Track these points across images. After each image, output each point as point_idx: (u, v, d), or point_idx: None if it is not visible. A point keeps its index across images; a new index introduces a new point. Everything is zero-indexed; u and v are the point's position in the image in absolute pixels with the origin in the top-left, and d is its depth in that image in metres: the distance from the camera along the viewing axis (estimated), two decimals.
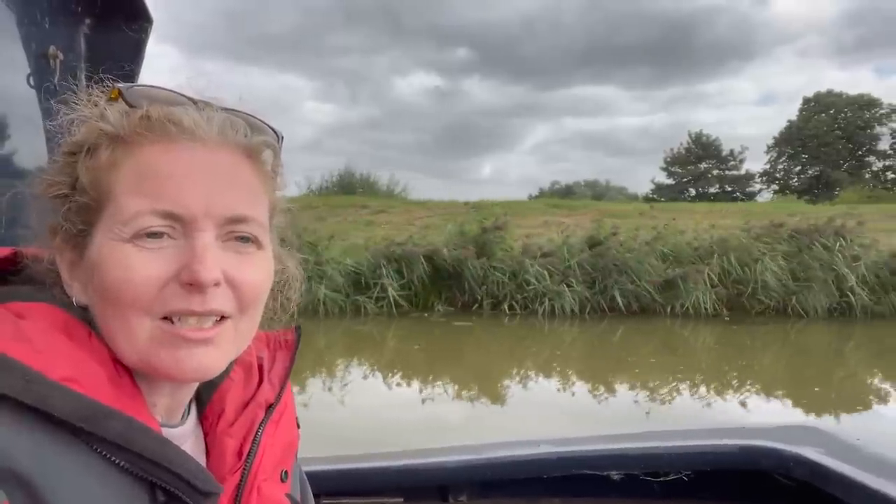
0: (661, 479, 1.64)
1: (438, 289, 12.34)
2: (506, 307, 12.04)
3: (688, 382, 7.85)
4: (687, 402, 7.02)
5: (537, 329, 11.24)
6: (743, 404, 6.91)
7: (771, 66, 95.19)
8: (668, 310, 12.07)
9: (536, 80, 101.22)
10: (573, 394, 7.37)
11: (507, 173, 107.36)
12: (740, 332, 11.29)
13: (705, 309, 11.99)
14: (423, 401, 6.87)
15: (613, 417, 6.33)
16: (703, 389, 7.61)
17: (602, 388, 7.61)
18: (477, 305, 12.15)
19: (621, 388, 7.59)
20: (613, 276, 12.30)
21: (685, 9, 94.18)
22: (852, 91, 49.72)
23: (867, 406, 7.04)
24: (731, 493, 1.67)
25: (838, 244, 12.71)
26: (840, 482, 1.41)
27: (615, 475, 1.62)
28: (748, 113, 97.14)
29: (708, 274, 12.26)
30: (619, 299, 12.07)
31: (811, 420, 6.25)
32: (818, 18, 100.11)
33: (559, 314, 11.89)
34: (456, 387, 7.50)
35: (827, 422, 6.16)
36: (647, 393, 7.27)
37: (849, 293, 12.18)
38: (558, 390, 7.52)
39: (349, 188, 24.46)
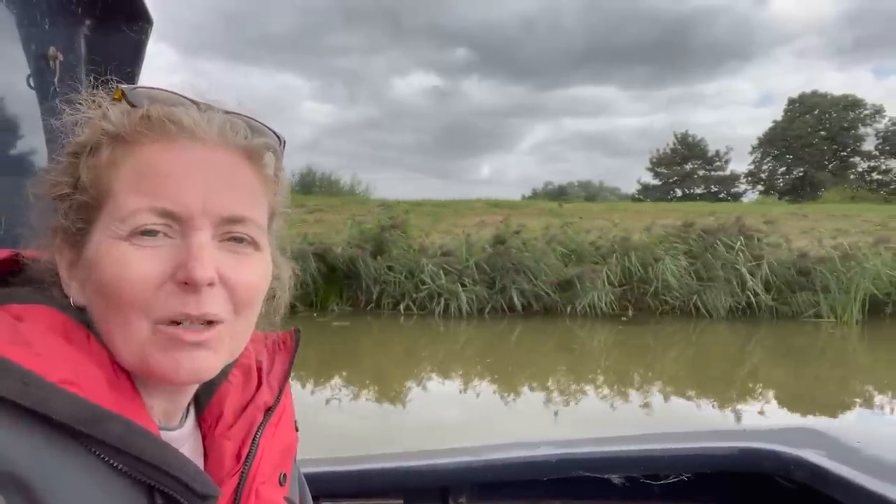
0: (662, 481, 1.64)
1: (338, 288, 12.23)
2: (402, 307, 11.92)
3: (589, 383, 7.89)
4: (593, 402, 7.04)
5: (432, 329, 11.14)
6: (646, 405, 6.89)
7: (769, 66, 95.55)
8: (569, 310, 12.05)
9: (535, 81, 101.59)
10: (471, 395, 7.31)
11: (506, 173, 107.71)
12: (636, 332, 11.28)
13: (602, 309, 12.00)
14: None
15: (500, 417, 6.35)
16: (601, 389, 7.68)
17: (495, 388, 7.63)
18: (373, 305, 12.02)
19: (505, 387, 7.61)
20: (511, 276, 12.23)
21: (684, 9, 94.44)
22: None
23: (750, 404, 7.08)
24: (731, 495, 1.67)
25: (738, 243, 12.69)
26: (840, 484, 1.41)
27: (615, 477, 1.62)
28: (747, 113, 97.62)
29: (607, 273, 12.26)
30: (515, 299, 12.03)
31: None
32: (817, 19, 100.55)
33: (455, 314, 11.80)
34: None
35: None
36: (546, 393, 7.29)
37: (749, 293, 12.18)
38: (460, 391, 7.48)
39: (308, 188, 24.46)
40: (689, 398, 7.39)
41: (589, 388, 7.70)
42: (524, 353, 9.83)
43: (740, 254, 12.54)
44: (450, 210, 17.16)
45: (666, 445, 1.69)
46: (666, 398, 7.28)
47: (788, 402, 7.27)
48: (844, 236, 14.35)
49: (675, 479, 1.63)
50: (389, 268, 12.18)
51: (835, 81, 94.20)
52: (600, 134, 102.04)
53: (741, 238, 12.84)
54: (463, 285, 12.03)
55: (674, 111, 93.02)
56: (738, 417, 6.42)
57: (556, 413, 6.45)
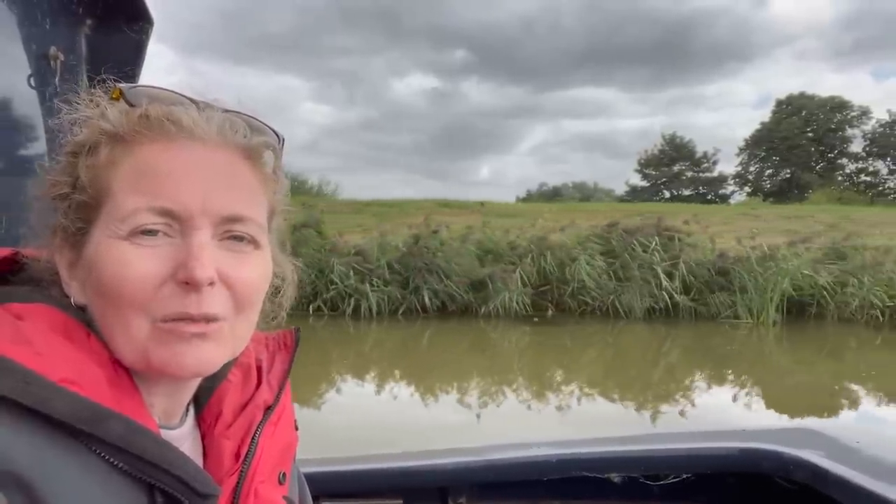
0: (661, 481, 1.64)
1: None
2: (312, 307, 11.77)
3: (497, 385, 7.89)
4: (511, 404, 7.04)
5: (342, 330, 11.02)
6: (561, 408, 6.88)
7: (769, 68, 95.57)
8: (482, 310, 11.97)
9: (535, 82, 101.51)
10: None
11: (506, 175, 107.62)
12: (550, 332, 11.24)
13: (516, 309, 11.92)
14: None
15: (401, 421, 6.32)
16: (513, 392, 7.68)
17: (401, 391, 7.63)
18: None
19: (417, 390, 7.57)
20: (423, 276, 12.15)
21: (684, 11, 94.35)
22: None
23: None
24: (731, 495, 1.67)
25: (654, 244, 12.66)
26: (840, 485, 1.41)
27: (615, 477, 1.62)
28: (746, 115, 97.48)
29: (521, 273, 12.17)
30: (427, 299, 11.95)
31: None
32: (816, 21, 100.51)
33: (366, 315, 11.68)
34: None
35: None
36: (455, 396, 7.27)
37: (665, 293, 12.15)
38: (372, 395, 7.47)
39: None
40: (608, 399, 7.45)
41: (492, 390, 7.71)
42: (437, 355, 9.76)
43: (655, 254, 12.52)
44: (396, 210, 17.01)
45: (666, 445, 1.69)
46: (580, 400, 7.33)
47: (689, 403, 7.32)
48: (794, 237, 14.42)
49: (675, 480, 1.63)
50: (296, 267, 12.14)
51: (834, 83, 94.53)
52: (600, 135, 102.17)
53: (656, 238, 12.82)
54: (372, 285, 11.93)
55: (673, 113, 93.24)
56: (655, 419, 6.44)
57: (478, 416, 6.46)
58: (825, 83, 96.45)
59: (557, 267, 12.53)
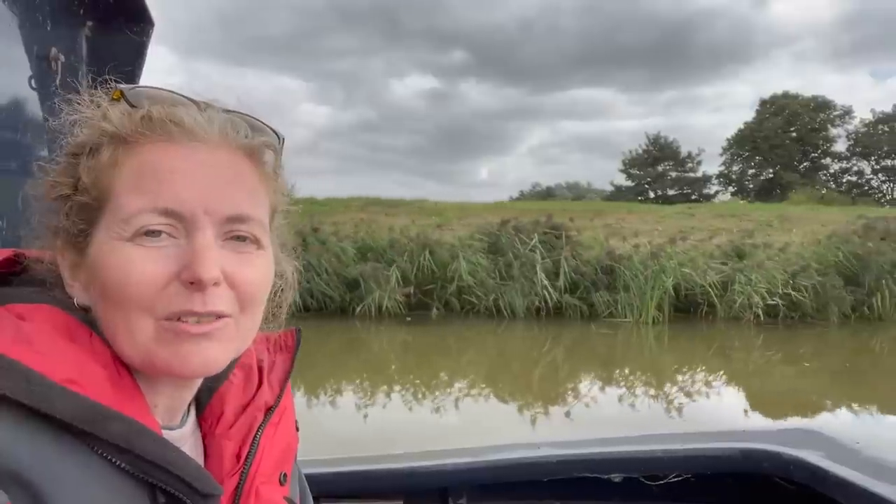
0: (661, 482, 1.64)
1: None
2: None
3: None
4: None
5: None
6: (461, 404, 7.01)
7: (768, 69, 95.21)
8: (357, 310, 11.88)
9: (533, 83, 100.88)
10: None
11: (504, 176, 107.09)
12: (419, 332, 11.19)
13: (388, 308, 11.85)
14: None
15: None
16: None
17: None
18: None
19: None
20: None
21: (682, 12, 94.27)
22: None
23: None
24: (731, 496, 1.67)
25: (534, 240, 12.64)
26: (840, 485, 1.41)
27: (615, 478, 1.62)
28: (745, 116, 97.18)
29: (398, 272, 12.07)
30: (298, 297, 11.81)
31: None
32: (814, 22, 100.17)
33: None
34: None
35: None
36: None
37: (547, 293, 12.13)
38: None
39: None
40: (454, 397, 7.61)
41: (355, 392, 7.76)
42: (304, 357, 9.88)
43: (537, 252, 12.47)
44: (326, 208, 16.89)
45: (666, 446, 1.69)
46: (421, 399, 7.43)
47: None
48: (726, 235, 14.47)
49: (675, 480, 1.64)
50: None
51: (833, 84, 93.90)
52: (598, 136, 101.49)
53: (536, 236, 12.79)
54: None
55: (672, 114, 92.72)
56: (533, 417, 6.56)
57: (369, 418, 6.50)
58: (824, 84, 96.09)
59: (439, 265, 12.43)
